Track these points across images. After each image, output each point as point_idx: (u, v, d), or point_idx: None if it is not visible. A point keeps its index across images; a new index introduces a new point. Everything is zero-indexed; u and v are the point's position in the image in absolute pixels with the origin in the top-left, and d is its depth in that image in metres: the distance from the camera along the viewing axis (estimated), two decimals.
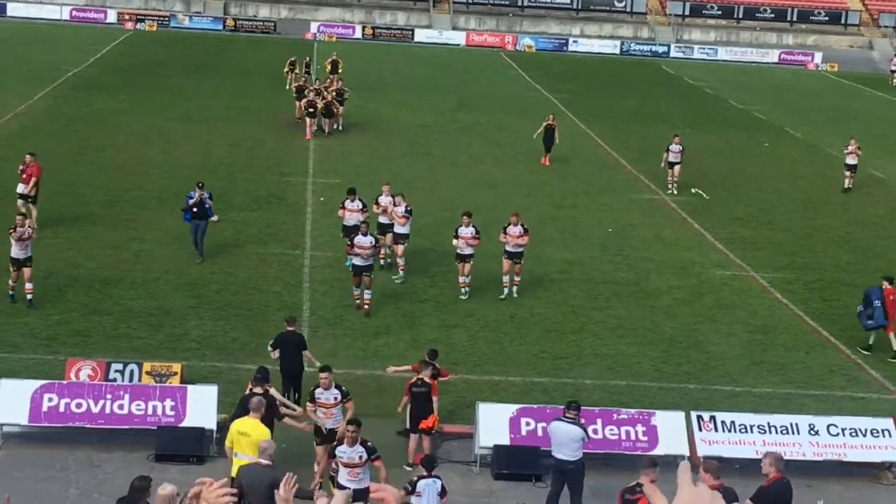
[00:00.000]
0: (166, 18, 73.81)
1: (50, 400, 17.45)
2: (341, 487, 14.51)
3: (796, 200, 36.54)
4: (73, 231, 27.90)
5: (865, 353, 23.38)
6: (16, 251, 22.49)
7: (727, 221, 33.11)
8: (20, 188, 27.41)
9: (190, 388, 18.08)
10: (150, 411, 17.51)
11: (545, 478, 17.15)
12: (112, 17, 73.08)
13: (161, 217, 29.29)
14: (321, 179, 34.52)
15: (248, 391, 16.35)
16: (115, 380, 18.56)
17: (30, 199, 27.46)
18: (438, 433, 17.95)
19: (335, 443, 15.12)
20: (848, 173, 37.94)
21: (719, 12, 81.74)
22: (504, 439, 17.63)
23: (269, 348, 18.86)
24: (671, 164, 35.83)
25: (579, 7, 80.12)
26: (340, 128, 42.21)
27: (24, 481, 16.13)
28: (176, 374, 18.86)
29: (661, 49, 76.71)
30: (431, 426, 17.38)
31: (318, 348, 20.25)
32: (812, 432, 18.23)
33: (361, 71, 56.35)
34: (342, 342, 22.11)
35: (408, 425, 17.82)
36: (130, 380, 18.64)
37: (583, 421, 16.29)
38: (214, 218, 26.57)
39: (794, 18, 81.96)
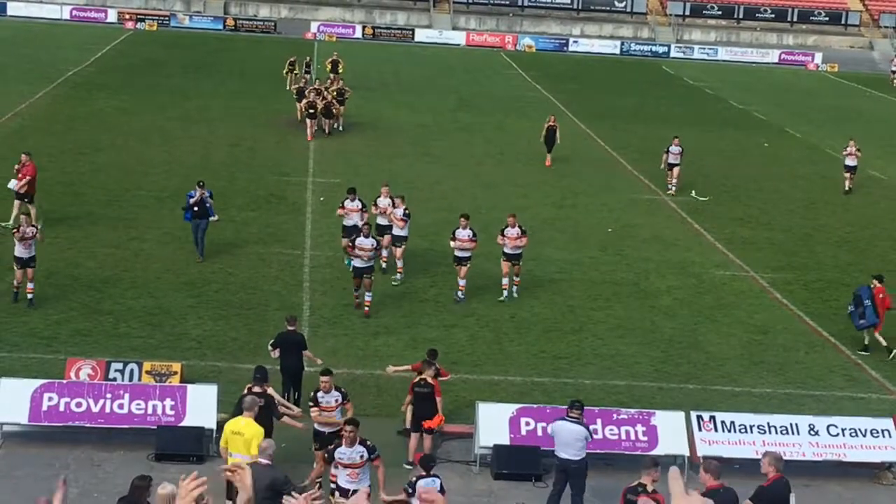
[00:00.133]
0: (166, 18, 73.81)
1: (50, 399, 17.46)
2: (341, 490, 14.51)
3: (796, 201, 36.55)
4: (74, 230, 27.90)
5: (864, 353, 23.41)
6: (19, 251, 22.51)
7: (727, 221, 33.12)
8: (11, 184, 27.44)
9: (190, 387, 18.09)
10: (149, 411, 17.52)
11: (545, 477, 17.18)
12: (112, 16, 73.08)
13: (161, 217, 29.30)
14: (321, 179, 34.52)
15: (246, 391, 16.36)
16: (115, 379, 18.57)
17: (26, 199, 27.48)
18: (438, 433, 17.96)
19: (332, 446, 15.06)
20: (847, 175, 37.94)
21: (719, 12, 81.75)
22: (504, 439, 17.64)
23: (270, 348, 18.88)
24: (671, 166, 35.83)
25: (579, 7, 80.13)
26: (341, 128, 42.22)
27: (23, 480, 16.14)
28: (176, 373, 18.87)
29: (661, 49, 76.71)
30: (437, 427, 17.40)
31: (318, 348, 20.27)
32: (812, 432, 18.24)
33: (361, 71, 56.34)
34: (342, 342, 22.12)
35: (408, 425, 17.83)
36: (130, 379, 18.65)
37: (585, 420, 16.33)
38: (215, 217, 26.58)
39: (795, 19, 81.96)
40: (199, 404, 17.61)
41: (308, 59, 53.38)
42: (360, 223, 24.59)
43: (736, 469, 16.61)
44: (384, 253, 25.87)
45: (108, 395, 17.58)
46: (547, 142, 38.94)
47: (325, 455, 15.02)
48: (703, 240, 31.17)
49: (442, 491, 14.49)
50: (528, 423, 17.80)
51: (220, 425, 17.01)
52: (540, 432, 17.56)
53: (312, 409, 16.29)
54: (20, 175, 27.49)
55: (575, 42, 76.62)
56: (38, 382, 17.81)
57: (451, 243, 24.62)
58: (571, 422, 15.96)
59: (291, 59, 51.22)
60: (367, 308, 23.46)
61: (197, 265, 25.84)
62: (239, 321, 22.82)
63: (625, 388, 21.01)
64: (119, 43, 63.76)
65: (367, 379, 20.38)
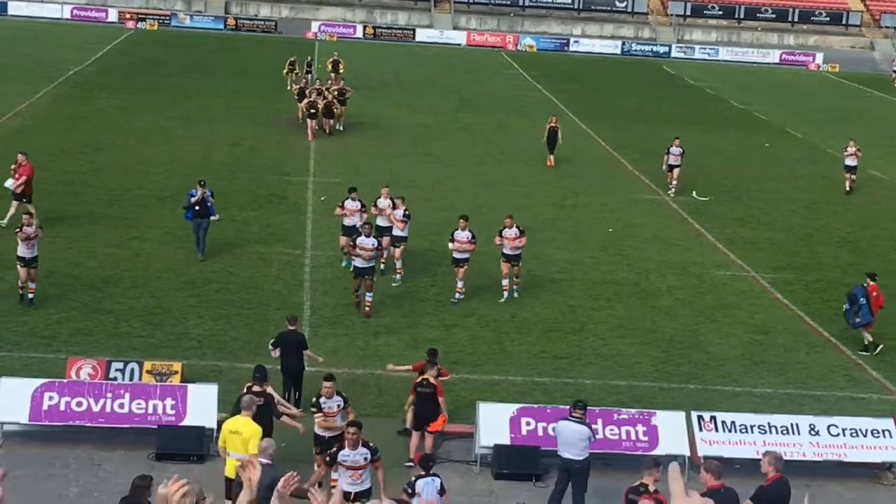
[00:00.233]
0: (167, 17, 73.83)
1: (50, 398, 17.46)
2: (344, 493, 14.47)
3: (797, 201, 36.55)
4: (74, 230, 27.90)
5: (865, 353, 23.41)
6: (22, 250, 22.49)
7: (728, 222, 33.12)
8: (8, 182, 27.44)
9: (190, 386, 18.09)
10: (150, 410, 17.52)
11: (545, 477, 17.18)
12: (113, 16, 73.11)
13: (162, 216, 29.31)
14: (322, 179, 34.52)
15: (245, 390, 16.35)
16: (115, 378, 18.56)
17: (24, 199, 27.48)
18: (439, 433, 17.94)
19: (333, 449, 15.04)
20: (848, 175, 37.94)
21: (720, 13, 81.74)
22: (504, 439, 17.63)
23: (270, 347, 18.88)
24: (671, 167, 35.83)
25: (580, 7, 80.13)
26: (341, 128, 42.22)
27: (24, 480, 16.12)
28: (176, 372, 18.86)
29: (662, 49, 76.72)
30: (440, 428, 17.39)
31: (318, 347, 20.28)
32: (812, 432, 18.24)
33: (362, 71, 56.35)
34: (342, 341, 22.12)
35: (408, 424, 17.82)
36: (131, 378, 18.65)
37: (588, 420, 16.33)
38: (216, 216, 26.57)
39: (796, 19, 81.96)
40: (199, 404, 17.60)
41: (309, 58, 53.37)
42: (358, 223, 24.59)
43: (736, 469, 16.59)
44: (384, 254, 25.85)
45: (109, 395, 17.57)
46: (549, 142, 38.98)
47: (327, 458, 14.99)
48: (703, 240, 31.17)
49: (442, 490, 14.51)
50: (528, 423, 17.79)
51: (221, 425, 17.04)
52: (540, 432, 17.56)
53: (316, 415, 16.26)
54: (17, 175, 27.50)
55: (576, 42, 76.64)
56: (39, 382, 17.81)
57: (450, 245, 24.57)
58: (575, 422, 15.97)
59: (292, 59, 51.21)
60: (367, 308, 23.45)
61: (198, 265, 25.84)
62: (239, 321, 22.82)
63: (625, 388, 21.00)
64: (120, 42, 63.78)
65: (367, 379, 20.38)
